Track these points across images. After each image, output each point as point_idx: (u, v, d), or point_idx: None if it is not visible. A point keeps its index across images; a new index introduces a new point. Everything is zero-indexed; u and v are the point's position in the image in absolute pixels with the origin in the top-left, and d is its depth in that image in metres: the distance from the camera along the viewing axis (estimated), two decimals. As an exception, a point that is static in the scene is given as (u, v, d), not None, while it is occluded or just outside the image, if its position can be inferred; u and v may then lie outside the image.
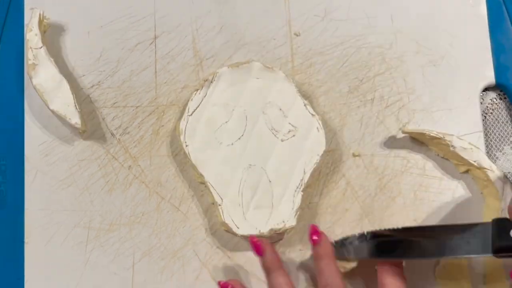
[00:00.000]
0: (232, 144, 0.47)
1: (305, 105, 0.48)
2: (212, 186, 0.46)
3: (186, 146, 0.46)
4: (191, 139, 0.47)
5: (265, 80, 0.48)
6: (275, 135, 0.47)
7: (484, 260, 0.47)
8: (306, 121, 0.47)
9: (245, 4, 0.52)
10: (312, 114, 0.48)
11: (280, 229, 0.45)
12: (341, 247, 0.44)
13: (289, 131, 0.47)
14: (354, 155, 0.49)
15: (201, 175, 0.46)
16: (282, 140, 0.47)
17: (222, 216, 0.46)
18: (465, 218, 0.49)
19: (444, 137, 0.47)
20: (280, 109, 0.48)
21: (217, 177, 0.46)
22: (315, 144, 0.47)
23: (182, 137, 0.47)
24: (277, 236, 0.47)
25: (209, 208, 0.48)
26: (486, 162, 0.47)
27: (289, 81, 0.48)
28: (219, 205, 0.46)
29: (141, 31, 0.51)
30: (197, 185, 0.48)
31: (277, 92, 0.48)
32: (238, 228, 0.45)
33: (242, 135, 0.47)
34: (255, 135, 0.47)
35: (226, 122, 0.47)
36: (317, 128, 0.47)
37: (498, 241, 0.39)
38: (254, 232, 0.45)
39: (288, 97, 0.48)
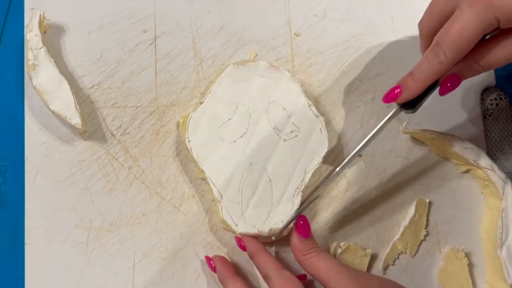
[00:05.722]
0: (234, 141, 0.47)
1: (309, 105, 0.48)
2: (213, 183, 0.46)
3: (189, 141, 0.46)
4: (194, 134, 0.47)
5: (270, 79, 0.48)
6: (277, 135, 0.47)
7: (484, 259, 0.47)
8: (309, 122, 0.47)
9: (245, 4, 0.52)
10: (316, 115, 0.47)
11: (278, 228, 0.45)
12: None
13: (291, 131, 0.47)
14: (354, 155, 0.49)
15: (202, 171, 0.46)
16: (284, 140, 0.47)
17: (221, 213, 0.46)
18: (465, 218, 0.49)
19: (444, 137, 0.47)
20: (284, 109, 0.47)
21: (218, 173, 0.46)
22: (317, 145, 0.47)
23: (184, 132, 0.47)
24: (275, 236, 0.46)
25: (210, 208, 0.48)
26: (486, 162, 0.47)
27: (294, 81, 0.48)
28: (219, 202, 0.46)
29: (141, 31, 0.51)
30: (198, 185, 0.48)
31: (281, 91, 0.48)
32: (236, 225, 0.45)
33: (245, 133, 0.47)
34: (257, 133, 0.47)
35: (229, 119, 0.47)
36: (320, 129, 0.47)
37: None
38: (252, 230, 0.45)
39: (293, 97, 0.48)
